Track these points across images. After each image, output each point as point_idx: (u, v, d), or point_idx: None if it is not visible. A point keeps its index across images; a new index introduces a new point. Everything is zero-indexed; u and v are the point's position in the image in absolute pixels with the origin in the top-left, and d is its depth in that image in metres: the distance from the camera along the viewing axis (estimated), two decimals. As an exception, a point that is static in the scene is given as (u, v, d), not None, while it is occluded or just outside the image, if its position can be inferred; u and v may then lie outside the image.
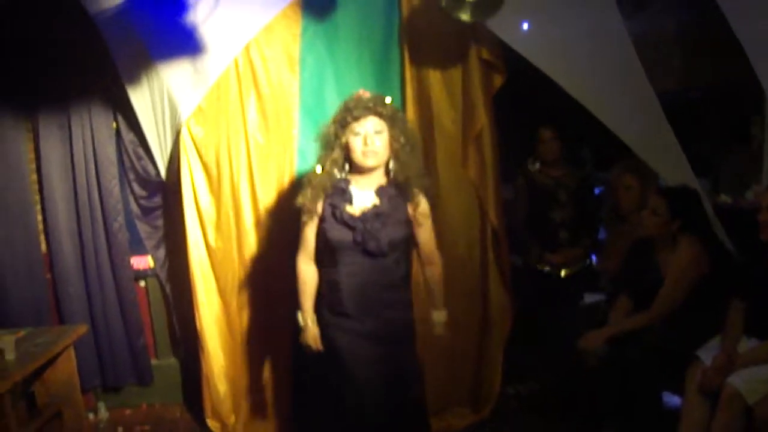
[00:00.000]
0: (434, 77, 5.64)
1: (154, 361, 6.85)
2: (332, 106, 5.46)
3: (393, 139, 4.32)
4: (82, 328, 5.72)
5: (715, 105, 7.47)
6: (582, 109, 5.35)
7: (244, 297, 5.78)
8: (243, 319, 5.83)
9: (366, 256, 4.31)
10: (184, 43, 5.50)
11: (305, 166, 5.49)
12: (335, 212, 4.33)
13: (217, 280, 5.82)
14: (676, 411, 4.85)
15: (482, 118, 5.62)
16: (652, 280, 5.20)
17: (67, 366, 5.59)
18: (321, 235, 4.41)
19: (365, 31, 5.57)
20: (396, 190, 4.38)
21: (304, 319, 4.54)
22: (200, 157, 5.67)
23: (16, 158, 6.31)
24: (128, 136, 6.24)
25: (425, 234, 4.52)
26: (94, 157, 6.28)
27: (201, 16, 5.41)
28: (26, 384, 5.43)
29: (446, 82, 5.67)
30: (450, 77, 5.67)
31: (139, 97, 5.92)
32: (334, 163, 4.37)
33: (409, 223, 4.44)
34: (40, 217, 6.46)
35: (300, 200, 4.42)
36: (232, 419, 5.98)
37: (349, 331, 4.37)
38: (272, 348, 5.79)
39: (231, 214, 5.72)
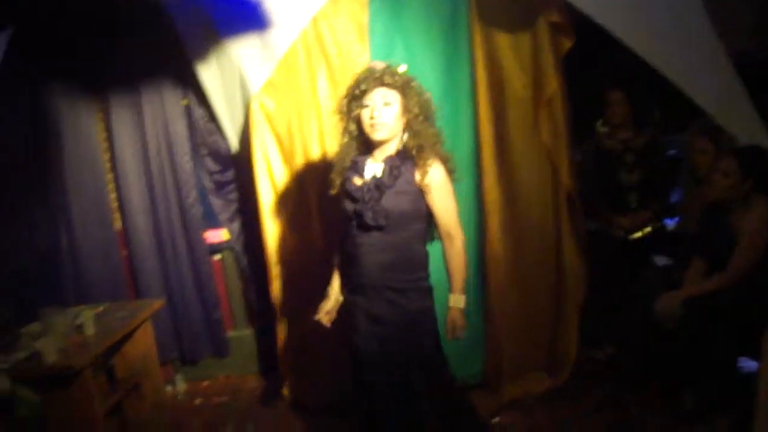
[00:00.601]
0: (503, 41, 5.58)
1: (230, 333, 6.95)
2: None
3: (405, 109, 4.14)
4: (159, 303, 5.83)
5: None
6: (653, 70, 5.28)
7: (319, 267, 5.78)
8: (317, 288, 5.85)
9: (372, 229, 4.14)
10: (251, 17, 5.54)
11: (378, 134, 5.53)
12: (345, 184, 4.25)
13: (292, 250, 5.87)
14: (752, 376, 4.79)
15: (553, 82, 5.55)
16: (727, 241, 5.16)
17: (145, 340, 5.72)
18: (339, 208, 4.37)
19: (433, -6, 5.55)
20: (401, 160, 4.16)
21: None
22: (272, 129, 5.74)
23: (89, 138, 6.43)
24: (198, 112, 6.31)
25: (438, 204, 4.19)
26: (165, 134, 6.36)
27: (267, -10, 5.45)
28: (106, 358, 5.53)
29: (516, 47, 5.60)
30: (519, 41, 5.60)
31: (208, 74, 5.98)
32: (352, 136, 4.27)
33: (417, 194, 4.17)
34: (113, 195, 6.54)
35: (332, 177, 4.33)
36: (308, 388, 6.02)
37: (360, 309, 4.23)
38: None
39: (305, 184, 5.77)
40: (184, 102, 6.37)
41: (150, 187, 6.44)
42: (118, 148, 6.40)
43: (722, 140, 5.61)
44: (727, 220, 5.23)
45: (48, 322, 5.06)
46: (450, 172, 4.24)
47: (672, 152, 6.65)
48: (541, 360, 5.97)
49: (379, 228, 4.11)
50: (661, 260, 6.09)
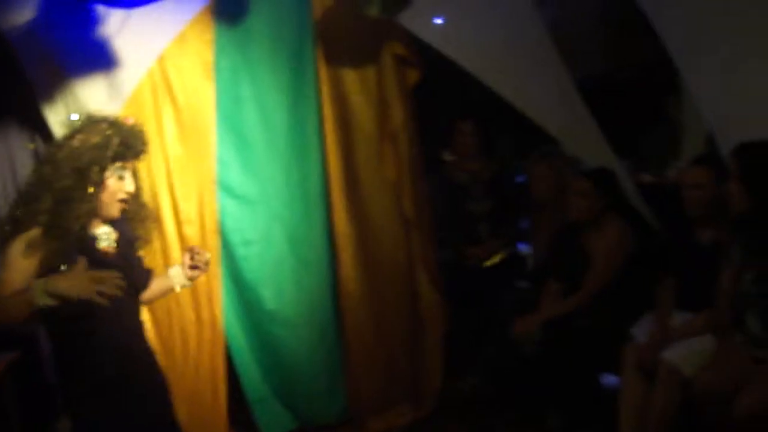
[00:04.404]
0: (350, 76, 5.57)
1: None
2: (249, 111, 5.47)
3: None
4: (13, 356, 5.58)
5: (633, 87, 7.56)
6: (502, 99, 5.36)
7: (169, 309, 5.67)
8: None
9: (128, 298, 3.50)
10: (98, 57, 5.42)
11: (226, 175, 5.43)
12: (89, 255, 3.34)
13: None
14: (614, 391, 4.88)
15: (398, 115, 5.61)
16: (580, 262, 5.29)
17: (3, 394, 5.48)
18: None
19: (278, 32, 5.48)
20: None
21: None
22: (119, 171, 5.58)
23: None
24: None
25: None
26: (12, 178, 6.18)
27: (113, 29, 5.33)
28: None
29: (362, 81, 5.60)
30: (365, 75, 5.61)
31: (56, 115, 5.83)
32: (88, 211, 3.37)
33: None
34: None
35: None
36: None
37: (138, 416, 3.48)
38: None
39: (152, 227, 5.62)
40: (32, 146, 6.23)
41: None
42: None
43: (562, 165, 5.74)
44: (580, 242, 5.36)
45: None
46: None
47: (521, 179, 6.70)
48: (404, 393, 5.93)
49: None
50: (520, 285, 6.16)
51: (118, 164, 3.41)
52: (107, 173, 3.39)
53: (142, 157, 3.54)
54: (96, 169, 3.35)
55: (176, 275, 3.85)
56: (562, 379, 5.13)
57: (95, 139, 3.38)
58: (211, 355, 5.49)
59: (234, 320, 5.60)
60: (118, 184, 3.43)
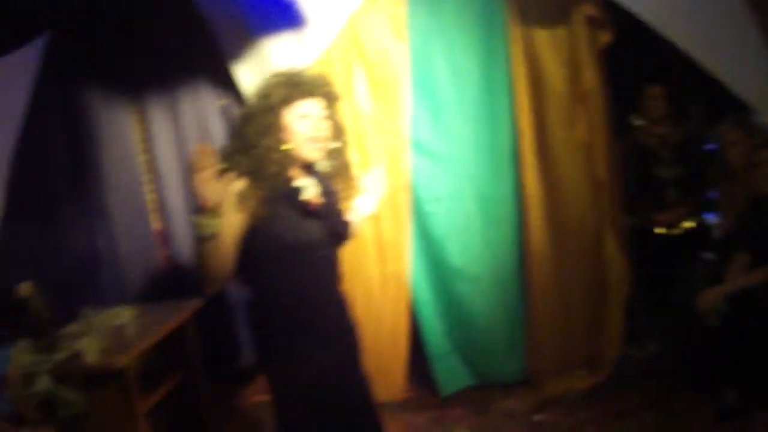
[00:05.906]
0: (540, 36, 5.57)
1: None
2: (441, 71, 5.55)
3: (335, 125, 3.67)
4: (198, 302, 5.78)
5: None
6: (693, 64, 5.25)
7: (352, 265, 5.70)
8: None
9: (331, 250, 3.67)
10: (286, 15, 5.53)
11: (418, 134, 5.49)
12: (294, 205, 3.51)
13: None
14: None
15: (590, 77, 5.57)
16: (770, 234, 5.14)
17: (187, 339, 5.67)
18: (275, 240, 3.47)
19: (470, -9, 5.53)
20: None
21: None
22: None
23: (126, 140, 6.43)
24: (237, 112, 6.30)
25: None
26: (204, 134, 6.36)
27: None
28: (147, 357, 5.51)
29: (553, 41, 5.59)
30: (556, 36, 5.59)
31: (244, 73, 5.96)
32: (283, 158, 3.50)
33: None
34: (153, 196, 6.54)
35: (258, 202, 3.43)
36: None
37: (325, 360, 3.57)
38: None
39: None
40: (223, 102, 6.37)
41: (189, 187, 6.43)
42: (155, 149, 6.41)
43: (755, 132, 5.59)
44: (772, 214, 5.21)
45: (88, 323, 5.07)
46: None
47: (712, 147, 6.57)
48: (583, 357, 5.93)
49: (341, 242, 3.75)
50: (707, 256, 6.04)
51: (296, 103, 3.51)
52: (287, 116, 3.50)
53: (323, 95, 3.59)
54: (272, 114, 3.49)
55: (364, 204, 4.01)
56: (745, 354, 5.03)
57: (266, 88, 3.55)
58: (395, 309, 5.57)
59: (420, 275, 5.70)
60: (302, 124, 3.51)
